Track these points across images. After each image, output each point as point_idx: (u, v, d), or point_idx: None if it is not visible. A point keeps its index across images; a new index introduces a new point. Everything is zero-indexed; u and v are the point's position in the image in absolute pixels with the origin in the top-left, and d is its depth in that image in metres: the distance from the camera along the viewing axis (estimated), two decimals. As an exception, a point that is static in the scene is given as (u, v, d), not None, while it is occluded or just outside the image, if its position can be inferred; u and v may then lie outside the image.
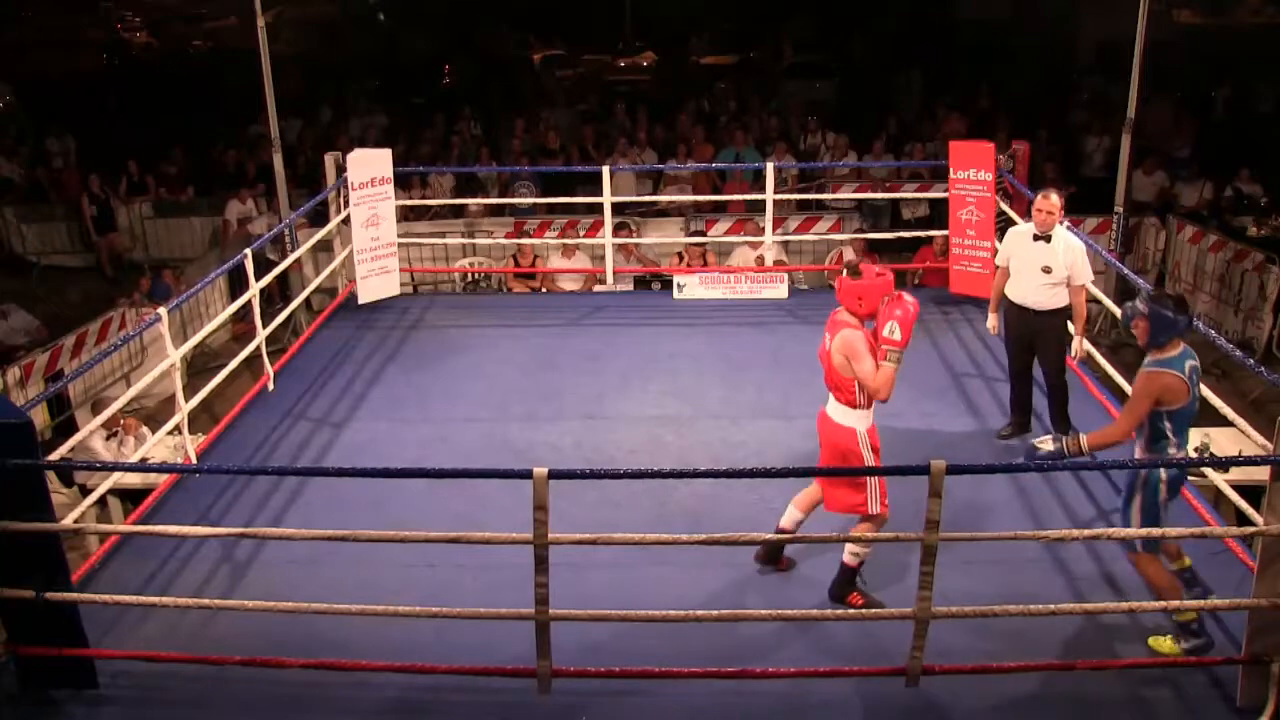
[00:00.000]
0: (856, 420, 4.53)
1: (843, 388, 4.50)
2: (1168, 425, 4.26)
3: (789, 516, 4.84)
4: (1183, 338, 4.28)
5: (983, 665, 4.12)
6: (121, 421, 7.28)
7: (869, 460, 4.52)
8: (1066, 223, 6.08)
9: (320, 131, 15.33)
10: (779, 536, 4.64)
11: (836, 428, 4.57)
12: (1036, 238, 5.83)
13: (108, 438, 7.33)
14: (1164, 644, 4.40)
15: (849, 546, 4.64)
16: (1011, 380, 6.24)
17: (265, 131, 10.65)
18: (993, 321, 6.26)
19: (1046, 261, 5.77)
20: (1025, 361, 6.09)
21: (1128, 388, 6.20)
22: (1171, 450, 4.29)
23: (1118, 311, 6.69)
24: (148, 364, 9.31)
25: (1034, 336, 5.95)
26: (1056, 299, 5.84)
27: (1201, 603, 4.38)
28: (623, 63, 25.78)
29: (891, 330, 4.36)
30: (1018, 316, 5.98)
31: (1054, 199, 5.80)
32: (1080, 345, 6.07)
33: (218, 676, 4.34)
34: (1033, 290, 5.85)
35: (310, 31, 24.75)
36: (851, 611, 4.09)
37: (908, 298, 4.41)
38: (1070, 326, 5.98)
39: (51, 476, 6.33)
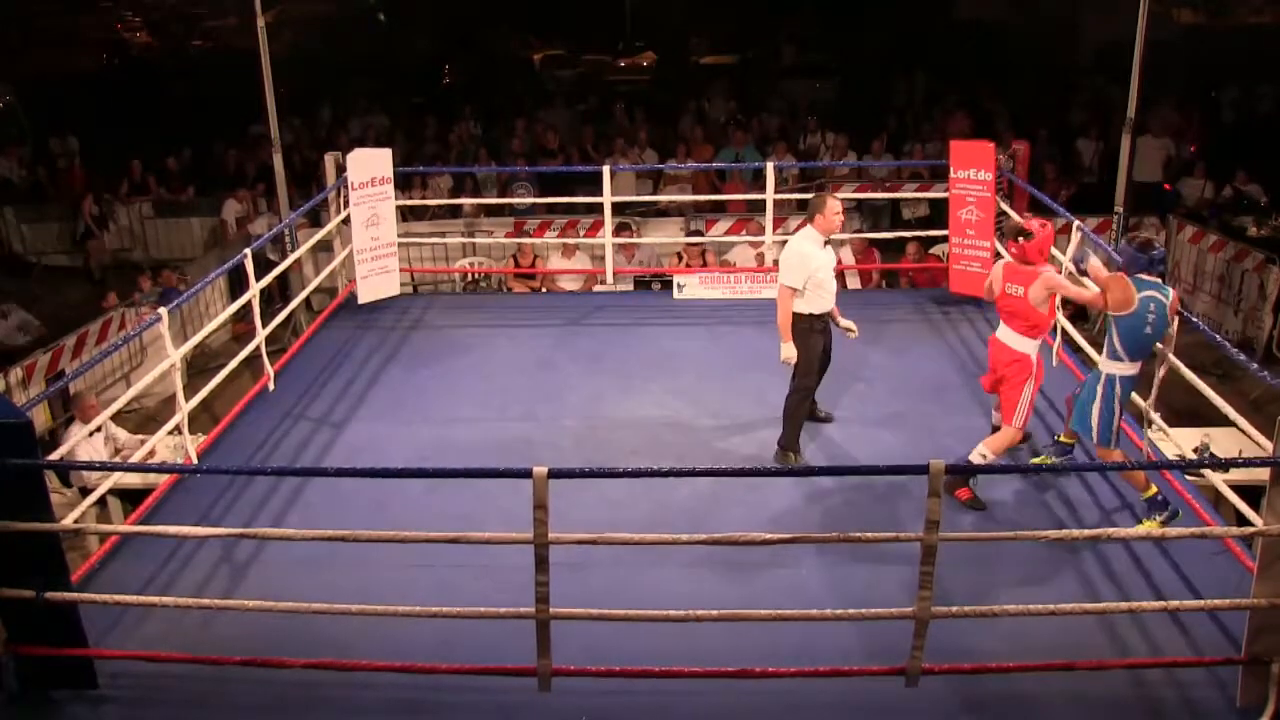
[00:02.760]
0: (1032, 348, 5.44)
1: (1029, 319, 5.39)
2: (1115, 332, 5.06)
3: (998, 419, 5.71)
4: (1150, 273, 5.06)
5: (983, 665, 4.12)
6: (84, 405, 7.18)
7: (1031, 383, 5.46)
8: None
9: (319, 132, 15.34)
10: (780, 537, 4.63)
11: (1012, 350, 5.46)
12: (826, 244, 5.96)
13: (91, 434, 7.29)
14: (1149, 525, 5.12)
15: (978, 447, 5.48)
16: (805, 399, 6.12)
17: (265, 131, 10.65)
18: (792, 351, 5.90)
19: (833, 265, 6.05)
20: None
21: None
22: (1120, 364, 5.11)
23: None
24: (148, 364, 9.31)
25: (828, 339, 6.18)
26: None
27: (1200, 603, 4.38)
28: (623, 63, 25.77)
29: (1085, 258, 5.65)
30: (820, 327, 6.08)
31: (839, 201, 6.03)
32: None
33: (218, 676, 4.33)
34: (832, 295, 5.99)
35: (310, 31, 24.74)
36: (851, 611, 4.09)
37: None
38: None
39: (51, 476, 6.33)
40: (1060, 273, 6.70)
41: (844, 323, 6.10)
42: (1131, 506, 5.46)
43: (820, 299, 5.86)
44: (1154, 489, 5.24)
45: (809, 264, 5.78)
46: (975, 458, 5.46)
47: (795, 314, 5.81)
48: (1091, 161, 13.19)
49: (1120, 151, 9.86)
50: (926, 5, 23.05)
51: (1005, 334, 5.53)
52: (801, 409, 6.05)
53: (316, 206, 9.12)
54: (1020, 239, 5.43)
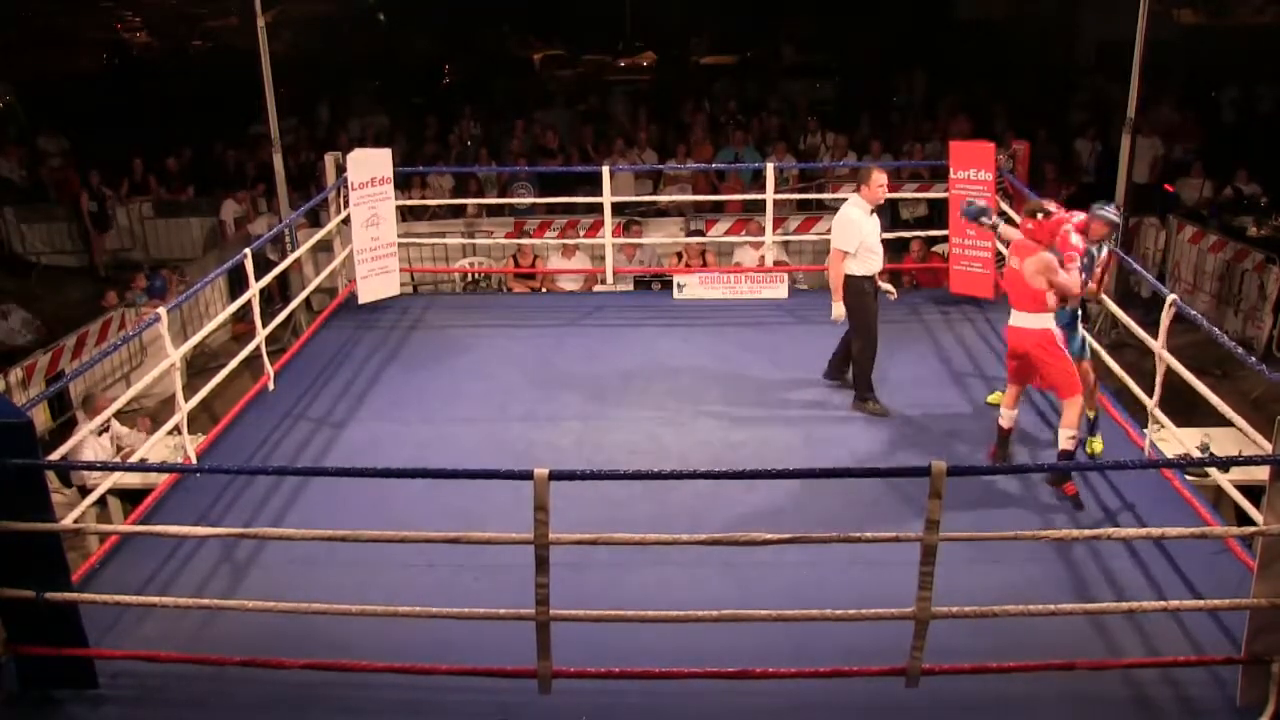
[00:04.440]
0: (1048, 321, 5.51)
1: (1036, 299, 5.47)
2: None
3: (1006, 418, 5.82)
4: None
5: (983, 665, 4.11)
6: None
7: (1064, 349, 5.58)
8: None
9: (318, 132, 15.33)
10: (780, 538, 4.63)
11: (1030, 331, 5.53)
12: (872, 212, 6.45)
13: (100, 434, 7.31)
14: (1094, 445, 5.95)
15: (1065, 432, 5.48)
16: (873, 355, 6.61)
17: (265, 131, 10.65)
18: (842, 310, 6.49)
19: (881, 231, 6.55)
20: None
21: (1131, 385, 6.25)
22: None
23: (1118, 311, 6.72)
24: (148, 364, 9.31)
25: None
26: None
27: (1200, 603, 4.38)
28: (623, 63, 25.74)
29: (1078, 241, 5.68)
30: (874, 288, 6.54)
31: (885, 174, 6.48)
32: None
33: (218, 676, 4.34)
34: (880, 259, 6.51)
35: (310, 31, 24.73)
36: (851, 611, 4.09)
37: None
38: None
39: (51, 476, 6.33)
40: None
41: (884, 285, 6.59)
42: (1133, 506, 5.46)
43: (870, 261, 6.38)
44: (1094, 412, 6.00)
45: (860, 229, 6.30)
46: (1066, 441, 5.50)
47: (848, 276, 6.34)
48: (1088, 162, 13.19)
49: (1120, 151, 9.86)
50: (926, 5, 23.03)
51: (1019, 318, 5.60)
52: (871, 366, 6.55)
53: (316, 207, 9.12)
54: (1039, 216, 5.54)
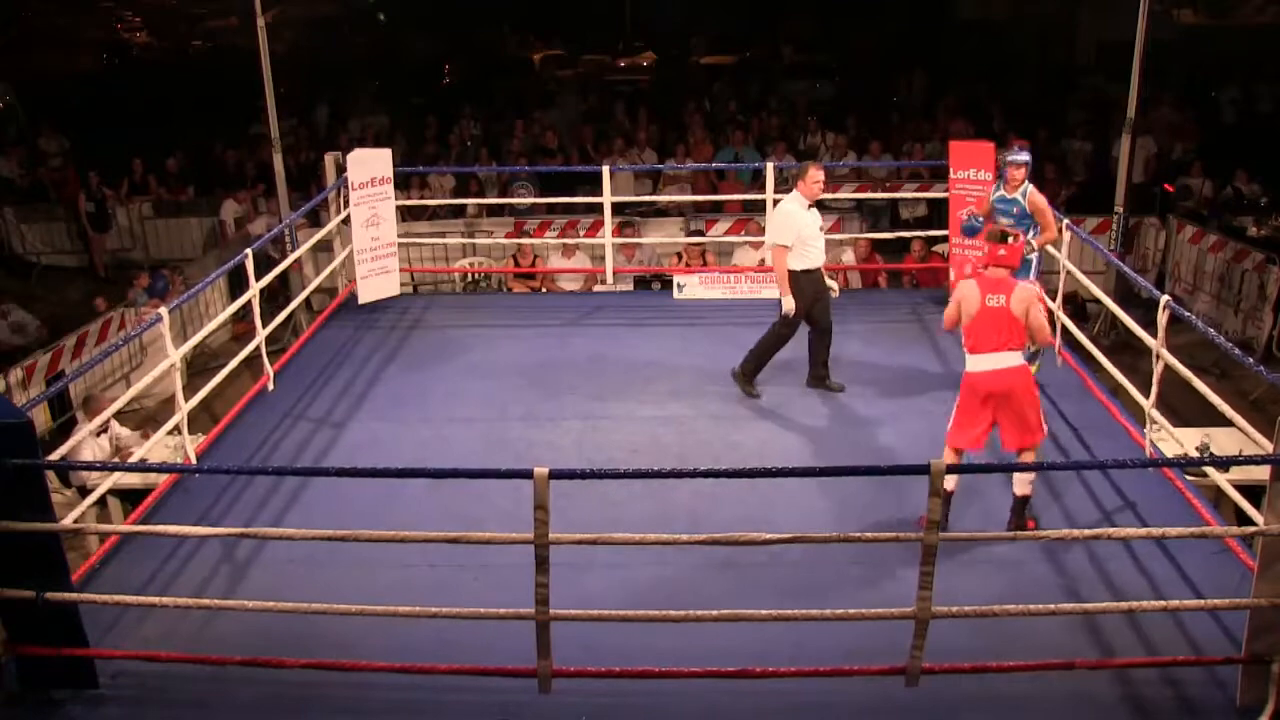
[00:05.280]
0: (1023, 359, 5.18)
1: (1021, 335, 5.09)
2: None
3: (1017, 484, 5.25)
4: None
5: (983, 665, 4.11)
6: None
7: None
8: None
9: (316, 131, 15.33)
10: (780, 538, 4.63)
11: (1016, 370, 5.08)
12: (810, 207, 6.50)
13: (98, 434, 7.30)
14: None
15: (1022, 477, 5.17)
16: (827, 333, 6.77)
17: (265, 131, 10.65)
18: (792, 303, 6.56)
19: (820, 224, 6.60)
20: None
21: (1129, 386, 6.25)
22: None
23: (1118, 311, 6.72)
24: (148, 364, 9.31)
25: (821, 291, 6.68)
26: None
27: (1200, 603, 4.38)
28: (623, 63, 25.74)
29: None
30: (813, 283, 6.58)
31: (821, 169, 6.57)
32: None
33: (218, 676, 4.33)
34: (820, 253, 6.58)
35: (310, 31, 24.73)
36: (851, 611, 4.09)
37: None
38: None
39: (51, 476, 6.33)
40: (1060, 273, 6.79)
41: (829, 283, 6.70)
42: (1133, 506, 5.46)
43: (808, 255, 6.46)
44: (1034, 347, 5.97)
45: (796, 222, 6.39)
46: (1026, 486, 5.17)
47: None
48: (1075, 162, 13.20)
49: (1120, 151, 9.87)
50: (926, 5, 23.04)
51: (1005, 358, 5.04)
52: (773, 351, 6.68)
53: (316, 206, 9.12)
54: (1009, 240, 5.19)
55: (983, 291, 5.09)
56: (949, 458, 5.21)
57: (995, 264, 5.16)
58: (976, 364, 5.10)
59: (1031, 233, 6.53)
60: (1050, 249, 7.57)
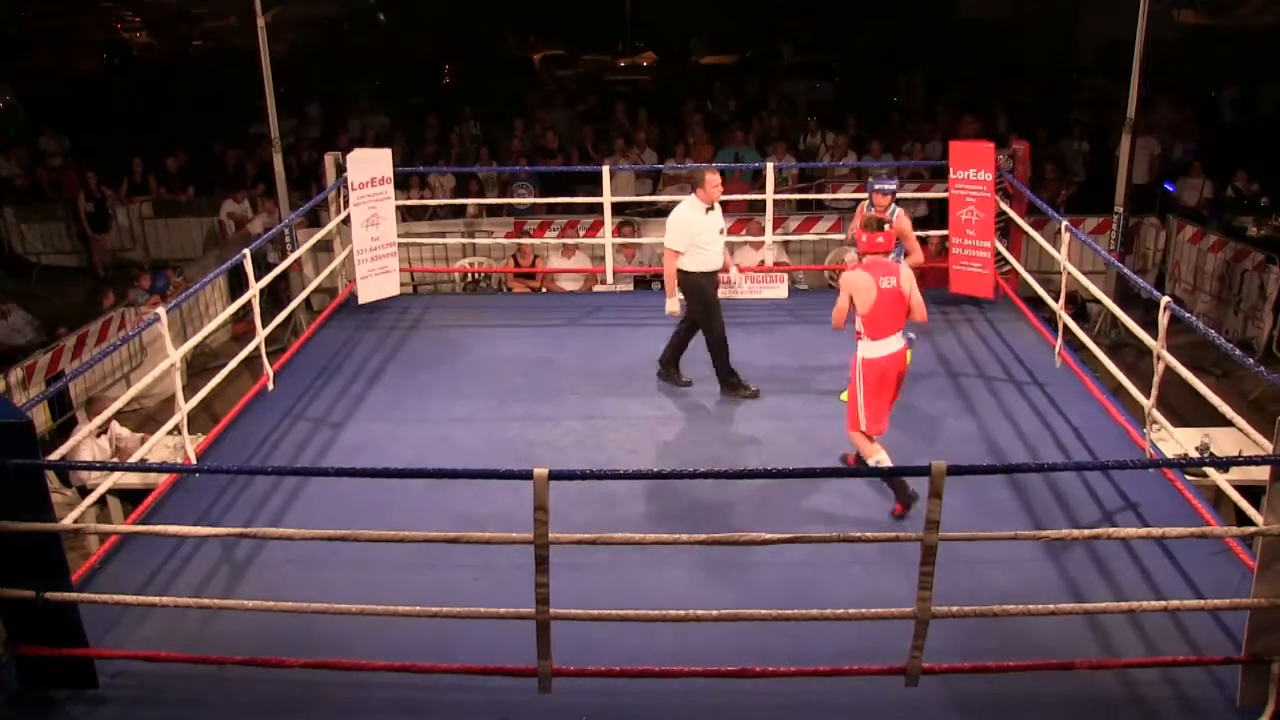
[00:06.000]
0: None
1: (904, 309, 5.36)
2: None
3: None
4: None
5: (983, 665, 4.12)
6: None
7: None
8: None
9: (310, 131, 15.33)
10: (780, 537, 4.63)
11: (904, 350, 5.39)
12: (708, 210, 6.52)
13: (98, 435, 7.31)
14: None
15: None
16: (722, 343, 6.74)
17: (265, 131, 10.65)
18: (675, 305, 6.66)
19: (720, 226, 6.61)
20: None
21: (1129, 386, 6.25)
22: None
23: (1118, 312, 6.72)
24: (148, 364, 9.31)
25: (715, 295, 6.70)
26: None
27: (1200, 603, 4.38)
28: (623, 63, 25.74)
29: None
30: (712, 283, 6.65)
31: (718, 174, 6.59)
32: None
33: (218, 676, 4.34)
34: (718, 255, 6.60)
35: (310, 31, 24.72)
36: (851, 611, 4.10)
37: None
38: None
39: (51, 476, 6.33)
40: (1061, 274, 6.78)
41: (723, 276, 6.76)
42: (1134, 506, 5.46)
43: (703, 258, 6.55)
44: None
45: (691, 228, 6.51)
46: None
47: (684, 271, 6.58)
48: (1074, 163, 13.20)
49: (1120, 151, 9.87)
50: (926, 5, 23.04)
51: (899, 340, 5.35)
52: (724, 354, 6.74)
53: (316, 206, 9.12)
54: (885, 228, 5.41)
55: (875, 278, 5.29)
56: (871, 447, 5.40)
57: (874, 251, 5.37)
58: (881, 349, 5.33)
59: (900, 257, 6.43)
60: (1050, 249, 7.58)
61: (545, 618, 3.92)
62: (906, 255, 6.56)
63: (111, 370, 9.47)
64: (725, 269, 6.76)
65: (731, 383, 6.81)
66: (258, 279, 6.83)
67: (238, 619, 4.51)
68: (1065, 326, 7.08)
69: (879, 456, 5.36)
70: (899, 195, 6.75)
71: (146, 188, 13.80)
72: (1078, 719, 4.15)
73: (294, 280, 9.96)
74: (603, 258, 9.01)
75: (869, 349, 5.33)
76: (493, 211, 11.81)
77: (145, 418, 8.90)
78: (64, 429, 8.49)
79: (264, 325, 7.00)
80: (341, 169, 8.45)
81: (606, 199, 8.61)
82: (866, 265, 5.36)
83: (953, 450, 6.05)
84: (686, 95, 16.72)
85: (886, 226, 5.42)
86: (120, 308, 10.19)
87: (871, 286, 5.27)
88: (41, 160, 14.71)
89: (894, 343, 5.33)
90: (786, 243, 10.71)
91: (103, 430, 7.21)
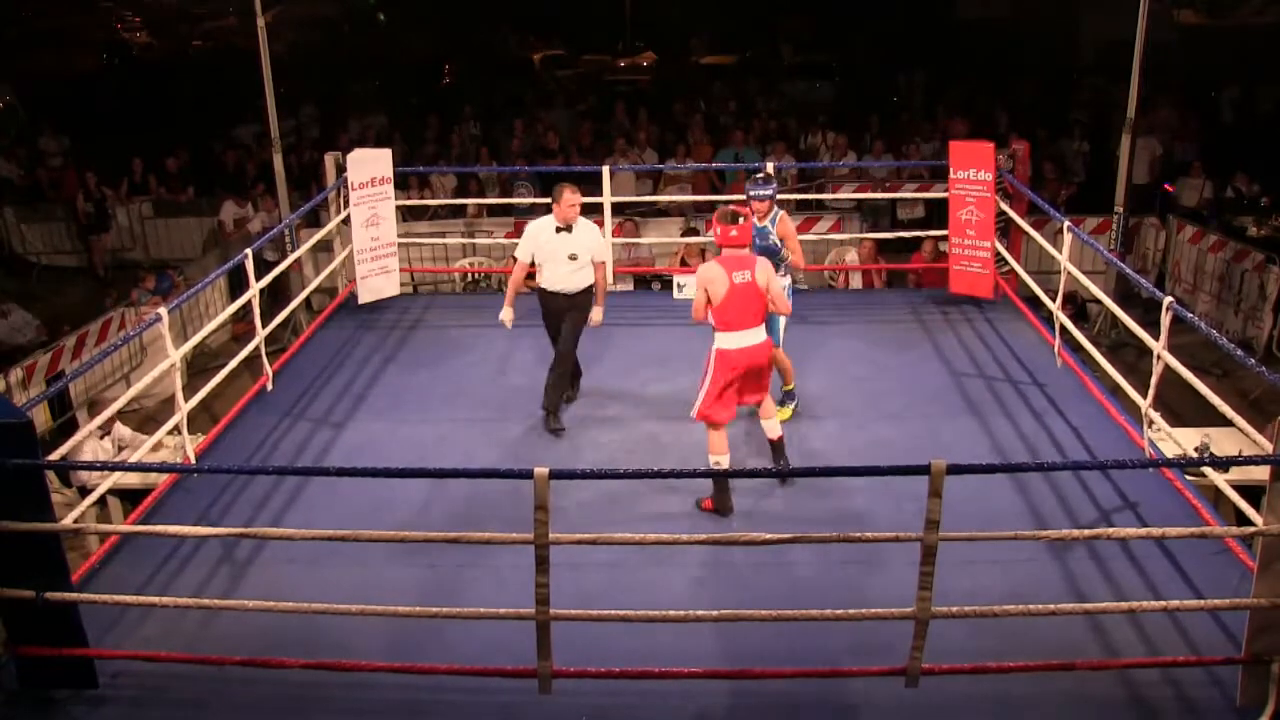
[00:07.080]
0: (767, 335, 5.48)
1: (763, 302, 5.35)
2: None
3: (770, 429, 5.71)
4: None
5: (983, 665, 4.11)
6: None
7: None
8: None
9: (308, 130, 15.32)
10: (780, 538, 4.63)
11: (767, 345, 5.43)
12: (559, 230, 6.44)
13: (101, 437, 7.31)
14: (785, 414, 6.19)
15: (775, 423, 5.74)
16: (560, 360, 6.62)
17: (265, 131, 10.65)
18: (509, 314, 6.57)
19: (572, 250, 6.44)
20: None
21: (1127, 388, 6.25)
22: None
23: (1118, 311, 6.72)
24: (148, 364, 9.31)
25: (564, 314, 6.55)
26: (584, 280, 6.52)
27: (1200, 603, 4.38)
28: (623, 63, 25.75)
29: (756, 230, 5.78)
30: (555, 301, 6.56)
31: (576, 194, 6.45)
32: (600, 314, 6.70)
33: (218, 676, 4.34)
34: (563, 276, 6.47)
35: (310, 31, 24.73)
36: (851, 611, 4.10)
37: None
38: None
39: (51, 476, 6.33)
40: (1061, 273, 6.78)
41: (594, 314, 6.62)
42: (1133, 506, 5.46)
43: (547, 276, 6.52)
44: (793, 384, 6.39)
45: (534, 242, 6.51)
46: (777, 433, 5.69)
47: (530, 287, 6.67)
48: (1074, 163, 13.20)
49: (1120, 152, 9.87)
50: (926, 5, 23.05)
51: (758, 334, 5.34)
52: (557, 374, 6.58)
53: (316, 207, 9.12)
54: (740, 221, 5.32)
55: (728, 271, 5.26)
56: (719, 444, 5.46)
57: (729, 245, 5.32)
58: (733, 341, 5.31)
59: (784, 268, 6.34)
60: (1050, 249, 7.57)
61: (545, 618, 3.92)
62: (790, 255, 6.32)
63: (112, 370, 9.47)
64: (595, 297, 6.57)
65: (545, 407, 6.53)
66: (258, 279, 6.83)
67: (238, 619, 4.51)
68: (1064, 326, 7.07)
69: (720, 458, 5.43)
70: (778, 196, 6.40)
71: (146, 188, 13.80)
72: (1078, 719, 4.15)
73: (294, 280, 9.96)
74: (602, 258, 8.99)
75: (721, 340, 5.34)
76: (493, 211, 11.80)
77: (145, 418, 8.91)
78: (64, 429, 8.50)
79: (264, 325, 7.00)
80: (341, 169, 8.44)
81: (606, 199, 8.60)
82: (721, 259, 5.33)
83: (952, 450, 6.05)
84: (686, 95, 16.74)
85: (741, 219, 5.31)
86: (120, 307, 10.19)
87: (724, 280, 5.25)
88: (41, 160, 14.71)
89: (749, 336, 5.31)
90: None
91: (106, 431, 7.22)
